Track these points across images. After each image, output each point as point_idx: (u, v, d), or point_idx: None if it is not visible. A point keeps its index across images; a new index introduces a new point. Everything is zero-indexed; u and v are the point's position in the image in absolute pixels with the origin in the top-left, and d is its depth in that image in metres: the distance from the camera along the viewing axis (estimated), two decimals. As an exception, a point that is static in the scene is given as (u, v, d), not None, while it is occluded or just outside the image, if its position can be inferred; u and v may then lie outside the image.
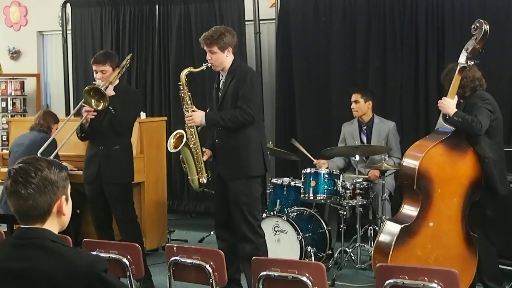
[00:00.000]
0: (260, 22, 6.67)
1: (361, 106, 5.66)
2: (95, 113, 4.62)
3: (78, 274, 1.91)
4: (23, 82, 8.53)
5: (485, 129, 4.14)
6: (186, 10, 7.04)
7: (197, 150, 4.38)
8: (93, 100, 4.56)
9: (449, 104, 4.22)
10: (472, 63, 4.24)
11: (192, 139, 4.36)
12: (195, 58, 7.00)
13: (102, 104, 4.53)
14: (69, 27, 7.70)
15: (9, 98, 8.47)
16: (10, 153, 5.52)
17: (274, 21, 6.77)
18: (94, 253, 3.17)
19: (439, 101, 4.31)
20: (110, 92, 4.63)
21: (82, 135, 4.79)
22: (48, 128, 5.43)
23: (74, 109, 7.60)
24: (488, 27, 4.20)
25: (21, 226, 2.01)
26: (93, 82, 4.74)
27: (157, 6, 7.22)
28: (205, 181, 4.44)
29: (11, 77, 8.48)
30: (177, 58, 7.09)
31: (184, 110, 4.39)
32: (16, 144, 5.40)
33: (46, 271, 1.91)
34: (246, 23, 6.70)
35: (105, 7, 7.46)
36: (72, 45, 7.66)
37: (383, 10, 6.20)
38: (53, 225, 2.03)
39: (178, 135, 4.40)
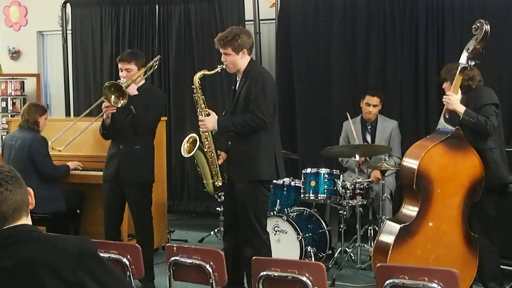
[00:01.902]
0: (260, 22, 6.67)
1: (378, 109, 5.69)
2: (115, 109, 4.59)
3: (71, 255, 1.93)
4: (23, 82, 8.53)
5: (496, 127, 4.19)
6: (186, 10, 7.04)
7: (212, 154, 4.32)
8: (113, 96, 4.52)
9: (456, 100, 4.24)
10: (473, 63, 4.25)
11: (207, 142, 4.29)
12: (195, 58, 7.01)
13: (121, 101, 4.50)
14: (69, 27, 7.70)
15: (9, 98, 8.47)
16: (3, 152, 5.44)
17: (274, 21, 6.78)
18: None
19: (445, 96, 4.32)
20: (132, 91, 4.61)
21: (104, 131, 4.77)
22: (35, 123, 5.24)
23: (72, 109, 7.64)
24: (488, 27, 4.20)
25: (1, 229, 1.99)
26: (118, 80, 4.72)
27: (157, 6, 7.22)
28: (220, 184, 4.37)
29: (11, 77, 8.48)
30: (177, 58, 7.09)
31: (198, 114, 4.30)
32: (8, 145, 5.28)
33: (40, 259, 1.93)
34: (246, 23, 6.69)
35: (105, 7, 7.46)
36: (72, 45, 7.66)
37: (383, 10, 6.20)
38: (29, 219, 2.05)
39: (191, 139, 4.33)
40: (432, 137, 4.37)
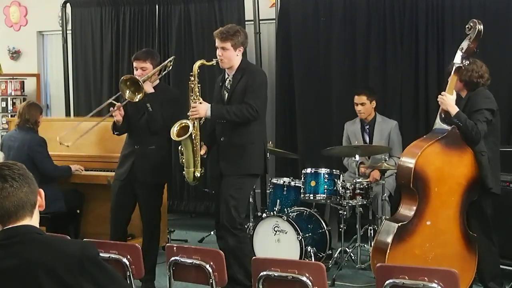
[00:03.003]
0: (260, 22, 6.67)
1: (367, 107, 5.67)
2: (123, 113, 4.61)
3: (72, 259, 1.94)
4: (23, 82, 8.53)
5: (483, 135, 4.17)
6: (186, 10, 7.05)
7: (197, 143, 4.37)
8: (128, 91, 4.51)
9: (449, 101, 4.24)
10: (468, 62, 4.28)
11: (194, 131, 4.33)
12: (195, 58, 6.99)
13: (137, 96, 4.48)
14: (69, 27, 7.70)
15: (9, 98, 8.47)
16: (1, 151, 5.45)
17: (274, 21, 6.78)
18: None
19: (439, 96, 4.32)
20: (148, 88, 4.60)
21: (116, 132, 4.79)
22: (35, 123, 5.25)
23: (72, 109, 7.64)
24: (482, 26, 4.23)
25: (4, 228, 2.02)
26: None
27: (157, 6, 7.22)
28: (198, 175, 4.44)
29: (11, 77, 8.48)
30: (177, 58, 7.07)
31: (190, 101, 4.33)
32: (7, 146, 5.29)
33: (40, 261, 1.93)
34: (246, 23, 6.69)
35: (105, 7, 7.46)
36: (72, 45, 7.66)
37: (383, 10, 6.21)
38: (35, 220, 2.06)
39: (183, 124, 4.36)
40: (428, 136, 4.38)
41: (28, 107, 5.30)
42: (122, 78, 4.58)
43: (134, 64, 4.71)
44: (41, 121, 5.31)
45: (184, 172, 4.48)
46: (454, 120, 4.20)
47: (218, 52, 4.28)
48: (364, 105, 5.66)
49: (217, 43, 4.28)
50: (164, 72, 4.88)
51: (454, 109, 4.21)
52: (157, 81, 4.77)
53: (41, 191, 2.09)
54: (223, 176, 4.37)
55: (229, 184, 4.31)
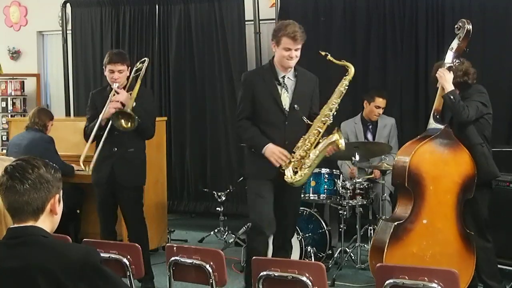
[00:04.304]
0: (260, 22, 6.67)
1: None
2: (121, 105, 4.48)
3: (74, 264, 1.94)
4: (23, 82, 8.53)
5: (470, 120, 4.20)
6: (186, 10, 7.05)
7: None
8: (122, 121, 4.47)
9: (447, 77, 4.26)
10: (458, 61, 4.32)
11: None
12: (195, 58, 7.01)
13: (130, 123, 4.45)
14: (69, 27, 7.70)
15: (9, 98, 8.48)
16: (7, 152, 5.49)
17: (274, 21, 6.77)
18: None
19: (439, 70, 4.30)
20: (131, 104, 4.49)
21: (100, 133, 4.57)
22: (44, 126, 5.41)
23: (72, 109, 7.64)
24: (470, 26, 4.28)
25: (11, 226, 2.04)
26: (114, 88, 4.57)
27: (157, 6, 7.23)
28: None
29: (11, 77, 8.48)
30: (177, 58, 7.09)
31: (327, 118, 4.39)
32: (14, 144, 5.38)
33: (43, 266, 1.94)
34: (246, 23, 6.70)
35: (105, 7, 7.47)
36: (72, 45, 7.67)
37: (383, 10, 6.21)
38: (45, 224, 2.06)
39: (333, 140, 4.28)
40: (422, 136, 4.42)
41: (38, 111, 5.52)
42: (111, 116, 4.46)
43: (109, 67, 4.56)
44: (50, 126, 5.46)
45: (303, 173, 4.12)
46: (448, 95, 4.20)
47: (292, 53, 4.23)
48: (383, 108, 5.72)
49: (291, 44, 4.19)
50: (141, 76, 4.70)
51: (450, 86, 4.24)
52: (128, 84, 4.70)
53: (56, 197, 2.09)
54: (284, 186, 4.15)
55: (298, 197, 4.42)
